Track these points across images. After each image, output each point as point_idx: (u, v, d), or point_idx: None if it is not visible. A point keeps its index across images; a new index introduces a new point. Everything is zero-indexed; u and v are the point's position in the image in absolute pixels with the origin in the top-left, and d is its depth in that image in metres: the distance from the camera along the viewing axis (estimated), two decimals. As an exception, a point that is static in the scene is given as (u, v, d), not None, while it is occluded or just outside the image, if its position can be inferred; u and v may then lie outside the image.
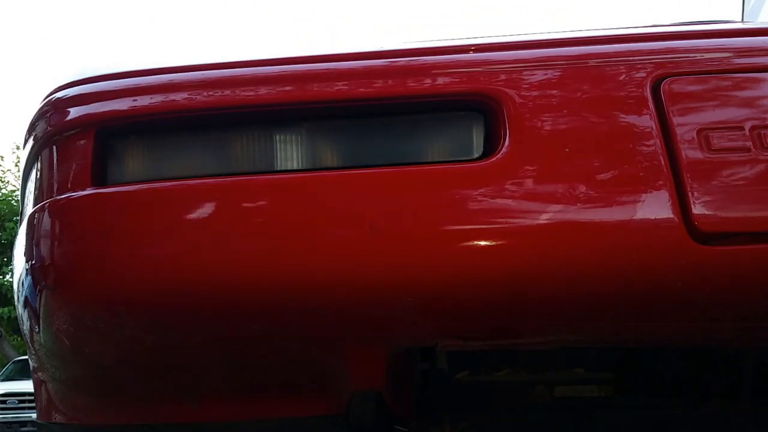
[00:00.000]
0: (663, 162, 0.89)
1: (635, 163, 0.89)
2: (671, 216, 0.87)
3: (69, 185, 0.96)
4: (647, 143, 0.90)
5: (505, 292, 0.90)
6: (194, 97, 0.97)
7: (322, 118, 0.97)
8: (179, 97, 0.98)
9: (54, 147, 1.00)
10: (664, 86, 0.93)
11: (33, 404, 1.29)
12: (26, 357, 7.97)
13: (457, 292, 0.90)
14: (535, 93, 0.94)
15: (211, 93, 0.97)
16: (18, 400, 10.67)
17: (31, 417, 9.51)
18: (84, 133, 0.98)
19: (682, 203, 0.88)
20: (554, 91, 0.94)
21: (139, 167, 0.98)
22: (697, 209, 0.87)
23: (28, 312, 1.03)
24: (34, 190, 1.04)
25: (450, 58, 0.98)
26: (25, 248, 1.02)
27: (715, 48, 1.01)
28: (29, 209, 1.04)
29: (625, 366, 1.41)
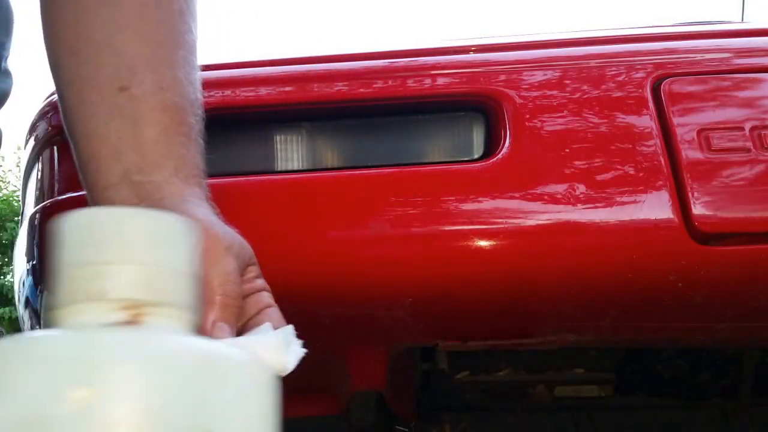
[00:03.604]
0: (663, 162, 0.89)
1: (635, 163, 0.89)
2: (671, 216, 0.87)
3: (70, 185, 0.97)
4: (647, 143, 0.90)
5: (505, 292, 0.90)
6: (195, 97, 0.97)
7: (323, 118, 0.98)
8: (180, 97, 0.98)
9: (55, 147, 1.01)
10: (664, 86, 0.93)
11: (34, 404, 1.28)
12: (27, 357, 7.94)
13: (457, 292, 0.90)
14: (535, 93, 0.94)
15: (211, 93, 0.97)
16: (19, 400, 10.67)
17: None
18: (85, 133, 0.98)
19: (682, 203, 0.88)
20: (554, 92, 0.94)
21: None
22: (697, 209, 0.87)
23: (29, 312, 1.03)
24: (35, 191, 1.04)
25: (450, 59, 0.98)
26: (26, 248, 1.02)
27: (715, 48, 1.01)
28: (30, 209, 1.04)
29: (625, 366, 1.41)
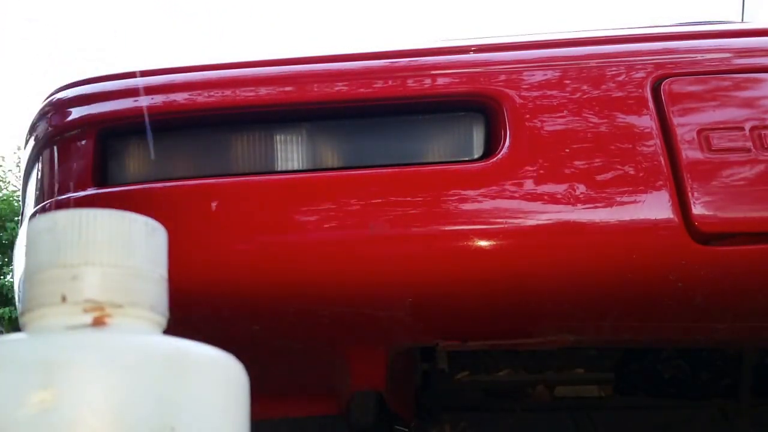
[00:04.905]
0: (663, 162, 0.89)
1: (635, 163, 0.89)
2: (671, 216, 0.87)
3: (70, 185, 0.97)
4: (647, 143, 0.90)
5: (505, 292, 0.90)
6: (195, 97, 0.97)
7: (323, 118, 0.98)
8: (180, 97, 0.98)
9: (55, 147, 1.01)
10: (664, 87, 0.93)
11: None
12: (27, 357, 7.92)
13: (457, 292, 0.90)
14: (535, 93, 0.94)
15: (211, 93, 0.97)
16: (19, 400, 10.66)
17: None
18: (85, 133, 0.98)
19: (682, 203, 0.88)
20: (554, 92, 0.94)
21: (141, 167, 0.98)
22: (697, 209, 0.87)
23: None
24: (35, 191, 1.04)
25: (450, 59, 0.98)
26: (26, 248, 1.02)
27: (715, 48, 1.01)
28: (30, 209, 1.04)
29: (625, 366, 1.41)
